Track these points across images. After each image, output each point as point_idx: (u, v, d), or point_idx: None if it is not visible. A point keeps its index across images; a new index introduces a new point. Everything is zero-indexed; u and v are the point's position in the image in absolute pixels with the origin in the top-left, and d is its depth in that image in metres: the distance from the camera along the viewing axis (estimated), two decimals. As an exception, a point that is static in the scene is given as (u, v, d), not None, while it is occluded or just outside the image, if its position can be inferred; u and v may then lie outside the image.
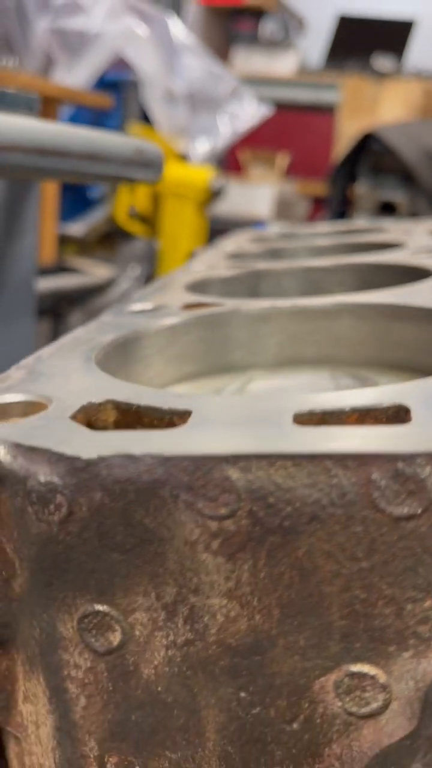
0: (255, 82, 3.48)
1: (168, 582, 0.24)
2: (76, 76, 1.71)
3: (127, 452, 0.23)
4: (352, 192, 2.49)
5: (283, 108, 3.65)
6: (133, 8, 1.87)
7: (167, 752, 0.26)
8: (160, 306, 0.46)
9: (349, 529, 0.22)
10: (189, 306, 0.46)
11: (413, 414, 0.25)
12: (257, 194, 3.27)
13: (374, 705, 0.24)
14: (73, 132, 0.66)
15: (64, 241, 1.95)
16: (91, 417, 0.29)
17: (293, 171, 3.71)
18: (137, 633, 0.24)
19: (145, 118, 2.20)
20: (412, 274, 0.52)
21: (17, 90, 0.92)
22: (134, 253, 2.18)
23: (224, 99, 2.46)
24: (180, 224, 2.13)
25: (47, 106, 1.57)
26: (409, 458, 0.21)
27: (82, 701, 0.26)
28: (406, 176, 2.31)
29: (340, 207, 2.50)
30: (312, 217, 3.46)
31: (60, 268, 1.70)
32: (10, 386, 0.31)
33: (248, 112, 2.55)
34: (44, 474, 0.23)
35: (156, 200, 2.15)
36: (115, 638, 0.25)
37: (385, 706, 0.24)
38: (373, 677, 0.23)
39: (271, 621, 0.23)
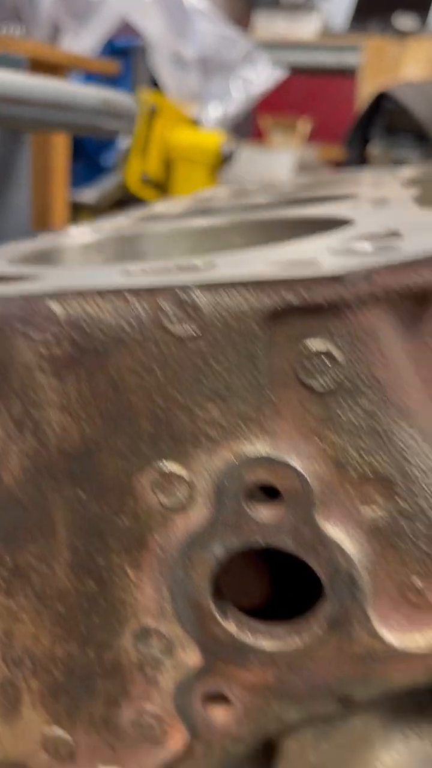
0: (276, 46, 3.48)
1: (14, 400, 0.30)
2: (83, 42, 1.76)
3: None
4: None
5: (305, 73, 3.64)
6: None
7: (29, 546, 0.32)
8: None
9: (146, 348, 0.28)
10: None
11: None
12: (278, 160, 3.27)
13: (181, 498, 0.29)
14: (38, 81, 0.71)
15: (76, 208, 2.02)
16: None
17: (316, 137, 3.69)
18: (-4, 445, 0.31)
19: (156, 85, 2.24)
20: (319, 226, 0.56)
21: (3, 52, 0.98)
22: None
23: (237, 63, 2.47)
24: (192, 189, 2.17)
25: (55, 73, 1.62)
26: (188, 288, 0.27)
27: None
28: (420, 135, 2.30)
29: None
30: (333, 182, 3.44)
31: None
32: None
33: (262, 77, 2.57)
34: None
35: (168, 166, 2.19)
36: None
37: (190, 499, 0.29)
38: (177, 473, 0.29)
39: (95, 429, 0.29)
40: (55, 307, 0.28)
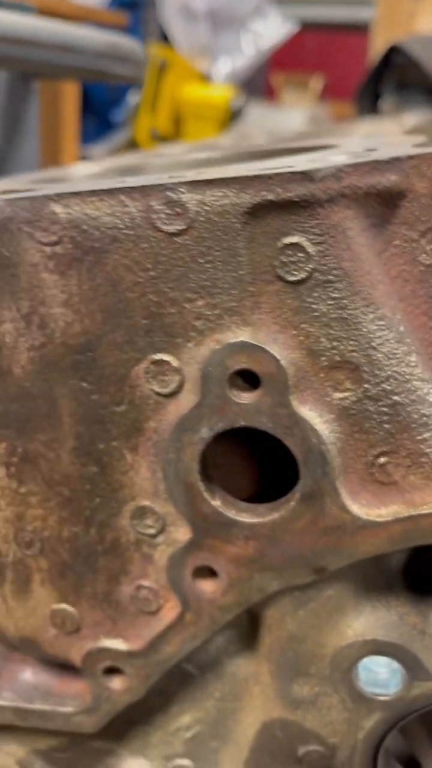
0: (288, 0, 3.42)
1: (23, 297, 0.33)
2: (91, -6, 1.75)
3: (-15, 194, 0.32)
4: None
5: (317, 28, 3.58)
6: None
7: (38, 434, 0.36)
8: None
9: (139, 246, 0.31)
10: None
11: None
12: (288, 118, 3.24)
13: (173, 385, 0.33)
14: (45, 23, 0.73)
15: (86, 163, 2.03)
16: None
17: (328, 94, 3.64)
18: (8, 340, 0.34)
19: (165, 39, 2.22)
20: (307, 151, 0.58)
21: (13, 1, 0.99)
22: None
23: (248, 17, 2.45)
24: (201, 145, 2.17)
25: (63, 26, 1.61)
26: (175, 186, 0.30)
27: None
28: (431, 89, 2.27)
29: (367, 126, 2.48)
30: (345, 141, 3.41)
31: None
32: None
33: (273, 30, 2.53)
34: None
35: (177, 121, 2.19)
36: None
37: (180, 386, 0.33)
38: (169, 363, 0.32)
39: (96, 323, 0.33)
40: (57, 208, 0.31)
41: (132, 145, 2.18)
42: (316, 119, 3.25)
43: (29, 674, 0.44)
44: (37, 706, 0.43)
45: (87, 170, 0.53)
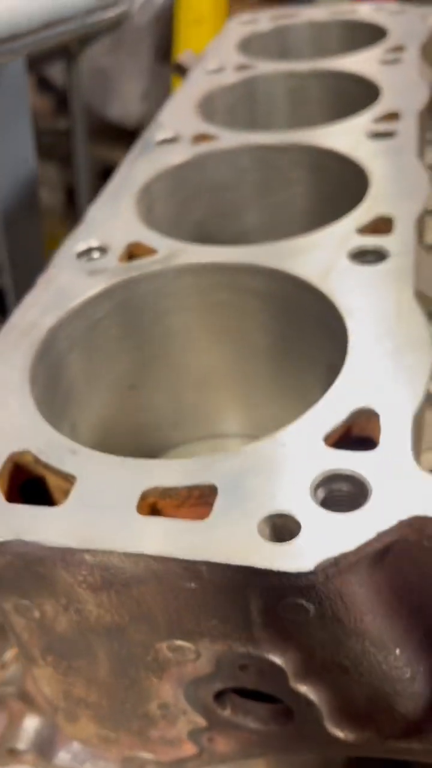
0: None
1: (60, 596, 0.38)
2: None
3: (21, 539, 0.35)
4: None
5: None
6: None
7: (77, 660, 0.43)
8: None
9: (162, 587, 0.35)
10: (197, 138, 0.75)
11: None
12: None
13: (191, 656, 0.39)
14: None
15: None
16: (16, 460, 0.41)
17: None
18: (48, 612, 0.40)
19: None
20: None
21: None
22: None
23: None
24: None
25: None
26: (194, 562, 0.34)
27: (25, 637, 0.42)
28: None
29: None
30: None
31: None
32: None
33: None
34: None
35: None
36: (36, 614, 0.40)
37: (197, 657, 0.39)
38: (188, 647, 0.39)
39: (124, 619, 0.38)
40: (88, 558, 0.35)
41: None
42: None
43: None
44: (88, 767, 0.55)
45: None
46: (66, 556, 0.35)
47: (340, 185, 0.69)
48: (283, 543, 0.33)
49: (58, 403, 0.52)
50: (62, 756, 0.56)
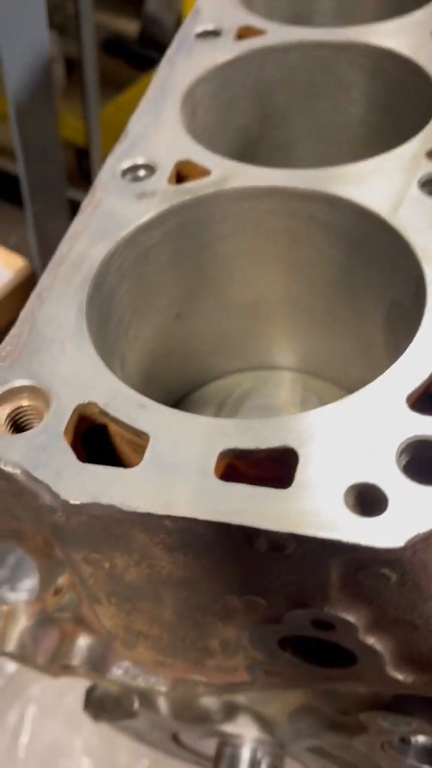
0: None
1: (135, 551, 0.38)
2: None
3: (98, 502, 0.35)
4: None
5: None
6: None
7: (143, 602, 0.44)
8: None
9: (241, 553, 0.35)
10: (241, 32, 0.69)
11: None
12: None
13: (261, 610, 0.40)
14: None
15: None
16: (81, 411, 0.39)
17: None
18: (119, 565, 0.40)
19: None
20: None
21: None
22: None
23: None
24: None
25: None
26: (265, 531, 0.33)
27: (91, 582, 0.43)
28: None
29: None
30: None
31: None
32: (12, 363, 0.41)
33: None
34: (48, 500, 0.36)
35: None
36: (106, 565, 0.40)
37: (268, 610, 0.40)
38: (260, 602, 0.39)
39: (195, 574, 0.38)
40: (166, 522, 0.34)
41: None
42: None
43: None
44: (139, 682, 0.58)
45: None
46: (144, 520, 0.35)
47: (401, 93, 0.63)
48: (372, 517, 0.32)
49: (110, 339, 0.50)
50: (114, 671, 0.59)
